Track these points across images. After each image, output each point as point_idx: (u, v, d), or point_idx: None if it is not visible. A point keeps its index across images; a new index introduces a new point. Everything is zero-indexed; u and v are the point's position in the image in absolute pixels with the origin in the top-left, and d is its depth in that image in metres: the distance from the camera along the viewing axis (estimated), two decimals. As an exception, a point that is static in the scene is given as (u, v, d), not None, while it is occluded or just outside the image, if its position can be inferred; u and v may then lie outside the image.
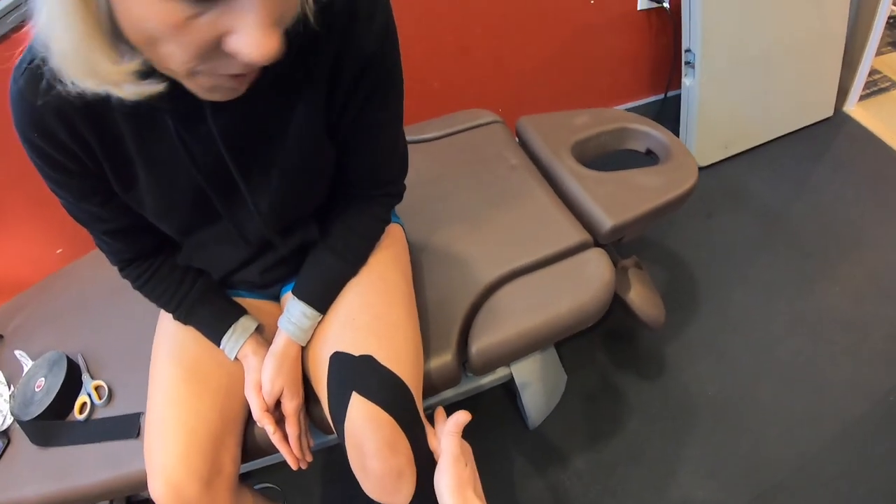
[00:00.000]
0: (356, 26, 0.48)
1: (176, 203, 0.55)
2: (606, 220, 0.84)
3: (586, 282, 0.77)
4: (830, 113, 1.44)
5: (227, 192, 0.55)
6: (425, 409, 0.63)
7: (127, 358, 0.91)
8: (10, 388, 0.99)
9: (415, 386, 0.60)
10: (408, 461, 0.55)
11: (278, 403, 0.64)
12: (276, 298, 0.74)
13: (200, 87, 0.39)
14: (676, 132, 1.39)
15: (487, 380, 0.88)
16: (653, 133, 1.01)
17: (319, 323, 0.64)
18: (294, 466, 0.64)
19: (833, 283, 1.13)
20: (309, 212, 0.63)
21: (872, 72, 1.45)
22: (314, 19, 0.40)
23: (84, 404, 0.88)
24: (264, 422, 0.62)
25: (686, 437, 0.96)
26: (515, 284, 0.77)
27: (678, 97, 1.36)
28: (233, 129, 0.50)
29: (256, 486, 0.95)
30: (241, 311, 0.66)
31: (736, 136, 1.38)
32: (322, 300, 0.63)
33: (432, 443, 0.58)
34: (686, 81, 1.30)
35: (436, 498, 0.57)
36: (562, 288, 0.76)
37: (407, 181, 0.67)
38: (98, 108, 0.45)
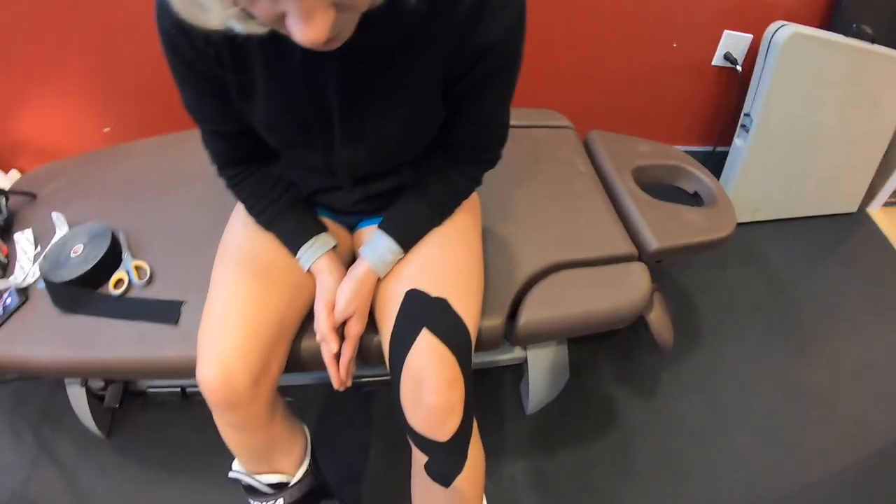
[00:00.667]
0: (487, 13, 0.50)
1: (284, 122, 0.58)
2: (653, 241, 0.91)
3: (627, 289, 0.83)
4: (854, 209, 1.54)
5: (327, 130, 0.58)
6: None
7: (171, 246, 0.91)
8: (36, 247, 0.99)
9: (473, 338, 0.65)
10: (460, 400, 0.59)
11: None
12: (351, 228, 0.77)
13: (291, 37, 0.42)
14: (716, 185, 1.47)
15: (504, 356, 0.94)
16: (704, 179, 1.09)
17: (399, 260, 0.67)
18: (337, 386, 0.67)
19: (818, 359, 1.22)
20: (398, 164, 0.66)
21: (903, 181, 1.54)
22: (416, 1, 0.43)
23: (120, 280, 0.88)
24: (329, 339, 0.65)
25: (662, 459, 1.03)
26: (566, 274, 0.84)
27: (725, 154, 1.44)
28: (349, 77, 0.53)
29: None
30: (322, 227, 0.70)
31: (766, 204, 1.47)
32: (408, 240, 0.67)
33: None
34: (737, 142, 1.38)
35: (468, 443, 0.62)
36: (605, 288, 0.83)
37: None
38: None
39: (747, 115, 1.33)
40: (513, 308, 0.80)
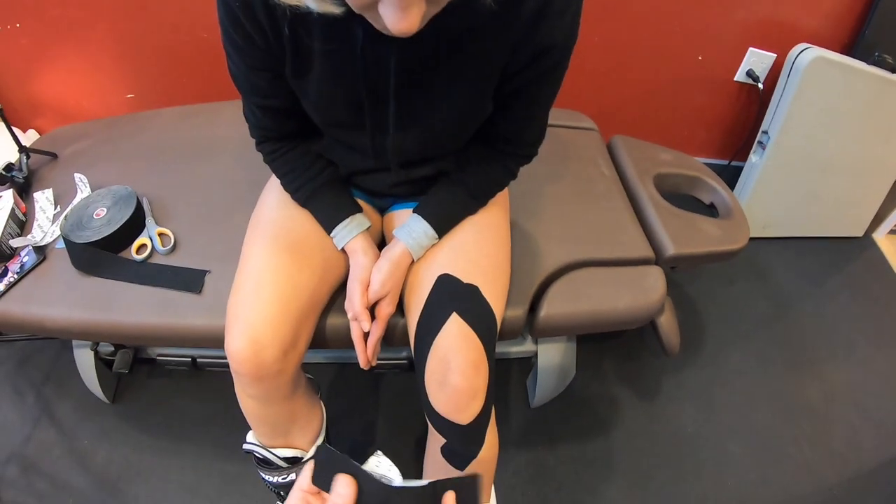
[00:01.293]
0: (550, 14, 0.51)
1: (335, 101, 0.59)
2: (670, 247, 0.92)
3: (644, 291, 0.85)
4: (860, 234, 1.56)
5: (379, 113, 0.59)
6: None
7: (195, 215, 0.91)
8: (56, 207, 0.99)
9: (499, 327, 0.66)
10: (483, 384, 0.61)
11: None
12: (382, 211, 0.78)
13: (371, 22, 0.43)
14: (728, 199, 1.49)
15: (516, 348, 0.95)
16: (721, 192, 1.11)
17: (433, 245, 0.68)
18: (364, 366, 0.68)
19: (815, 378, 1.24)
20: (440, 154, 0.67)
21: (910, 210, 1.56)
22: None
23: (143, 246, 0.88)
24: (362, 317, 0.65)
25: (658, 461, 1.06)
26: (586, 271, 0.85)
27: (740, 169, 1.46)
28: (409, 63, 0.54)
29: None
30: (358, 208, 0.71)
31: (776, 222, 1.50)
32: (444, 226, 0.68)
33: None
34: (753, 158, 1.40)
35: (486, 427, 0.63)
36: (623, 288, 0.84)
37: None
38: None
39: (765, 132, 1.36)
40: (534, 300, 0.81)
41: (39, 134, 1.34)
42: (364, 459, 0.41)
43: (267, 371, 0.63)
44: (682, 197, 1.14)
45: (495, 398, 0.64)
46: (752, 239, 1.48)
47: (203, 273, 0.83)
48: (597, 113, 1.25)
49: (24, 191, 1.00)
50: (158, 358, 1.02)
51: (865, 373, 1.26)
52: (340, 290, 0.74)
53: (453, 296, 0.63)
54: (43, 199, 0.99)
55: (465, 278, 0.64)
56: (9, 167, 0.98)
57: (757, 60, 1.32)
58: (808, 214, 1.50)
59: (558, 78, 0.61)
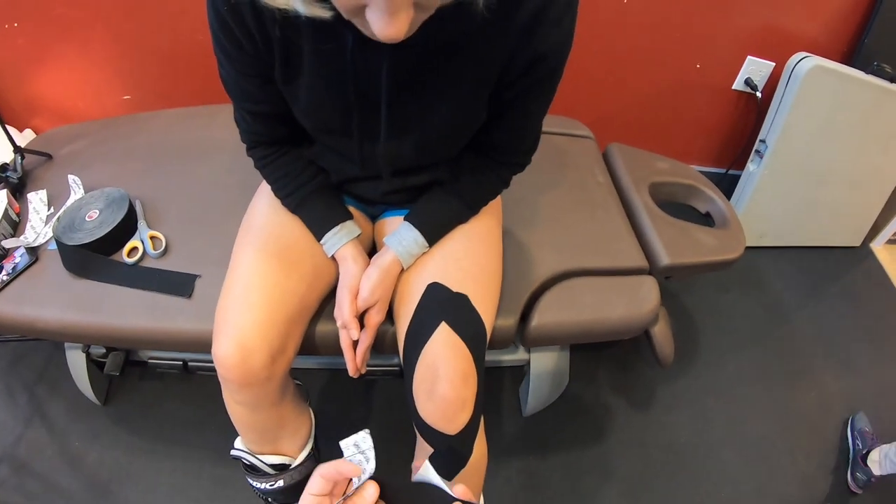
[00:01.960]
0: (545, 22, 0.51)
1: (324, 107, 0.59)
2: (665, 257, 0.92)
3: (638, 301, 0.84)
4: (858, 244, 1.56)
5: (368, 120, 0.59)
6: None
7: (187, 220, 0.91)
8: (49, 208, 0.98)
9: (489, 336, 0.65)
10: (472, 395, 0.60)
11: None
12: (373, 218, 0.78)
13: (360, 28, 0.43)
14: (724, 208, 1.49)
15: (508, 357, 0.95)
16: (717, 201, 1.10)
17: (423, 254, 0.68)
18: (352, 373, 0.68)
19: (810, 388, 1.24)
20: (434, 163, 0.66)
21: (907, 220, 1.56)
22: (483, 4, 0.43)
23: (134, 249, 0.87)
24: (351, 325, 0.65)
25: (652, 470, 1.05)
26: (579, 281, 0.85)
27: (737, 177, 1.45)
28: (400, 69, 0.54)
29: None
30: (349, 215, 0.70)
31: (772, 231, 1.49)
32: (435, 234, 0.68)
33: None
34: (750, 167, 1.40)
35: (474, 437, 0.63)
36: (617, 298, 0.84)
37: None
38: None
39: (763, 141, 1.35)
40: (525, 309, 0.81)
41: (36, 133, 1.34)
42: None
43: (255, 377, 0.62)
44: (678, 206, 1.14)
45: (487, 406, 0.63)
46: (748, 248, 1.48)
47: (193, 277, 0.83)
48: (594, 120, 1.24)
49: (18, 191, 1.00)
50: (150, 361, 1.01)
51: (862, 382, 1.26)
52: (330, 297, 0.74)
53: (443, 305, 0.62)
54: (37, 200, 0.99)
55: (455, 287, 0.64)
56: (3, 167, 0.98)
57: (755, 69, 1.31)
58: (805, 224, 1.49)
59: (553, 86, 0.60)
